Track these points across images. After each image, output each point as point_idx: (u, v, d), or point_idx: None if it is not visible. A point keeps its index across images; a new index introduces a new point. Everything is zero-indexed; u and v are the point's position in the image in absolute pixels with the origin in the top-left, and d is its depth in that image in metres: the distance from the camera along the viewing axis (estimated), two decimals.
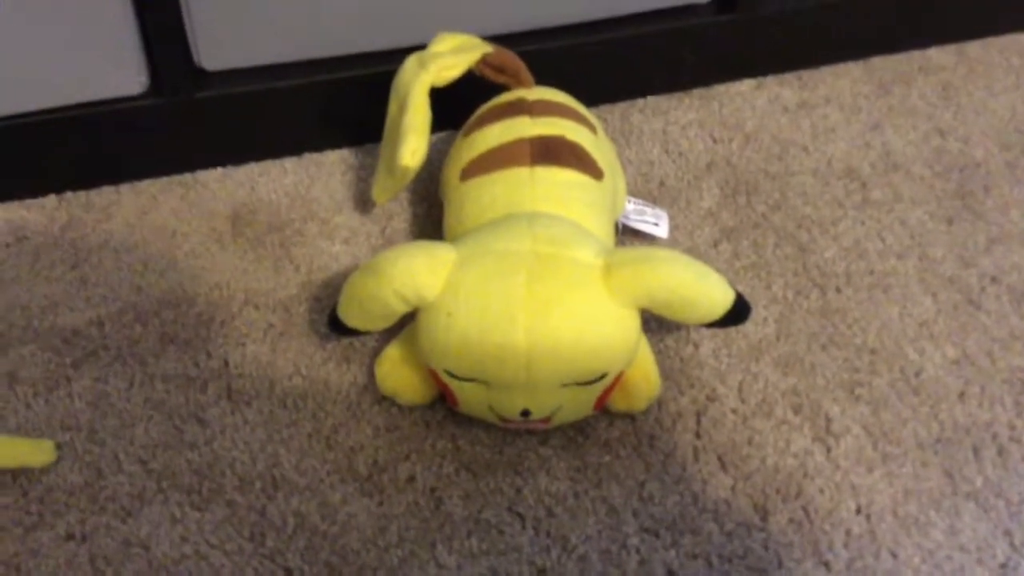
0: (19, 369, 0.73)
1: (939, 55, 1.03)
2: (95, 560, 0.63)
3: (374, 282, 0.64)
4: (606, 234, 0.71)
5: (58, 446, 0.68)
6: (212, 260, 0.81)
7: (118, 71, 0.82)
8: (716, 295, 0.65)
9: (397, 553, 0.64)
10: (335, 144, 0.91)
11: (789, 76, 1.00)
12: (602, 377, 0.64)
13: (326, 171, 0.89)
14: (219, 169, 0.89)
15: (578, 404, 0.66)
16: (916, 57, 1.02)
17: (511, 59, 0.78)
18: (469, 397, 0.66)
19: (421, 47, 0.77)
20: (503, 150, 0.72)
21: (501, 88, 0.79)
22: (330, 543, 0.64)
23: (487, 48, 0.78)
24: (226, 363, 0.74)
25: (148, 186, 0.87)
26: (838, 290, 0.80)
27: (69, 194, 0.86)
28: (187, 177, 0.88)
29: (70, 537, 0.64)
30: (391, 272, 0.63)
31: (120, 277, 0.80)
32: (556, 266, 0.63)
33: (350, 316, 0.67)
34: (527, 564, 0.64)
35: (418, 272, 0.63)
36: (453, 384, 0.65)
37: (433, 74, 0.75)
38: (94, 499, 0.66)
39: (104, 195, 0.86)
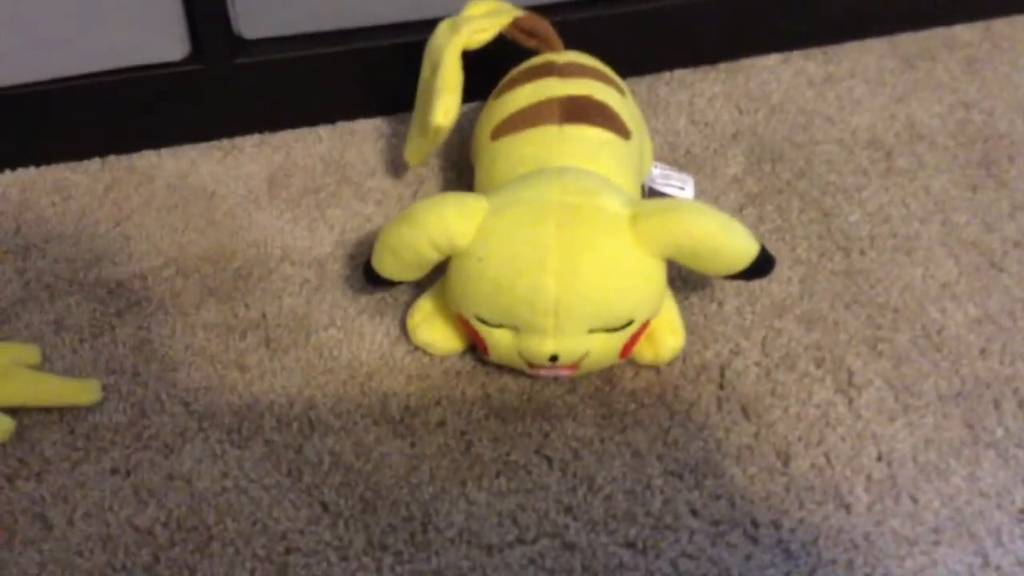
0: (65, 317, 0.76)
1: (964, 31, 1.04)
2: (139, 492, 0.66)
3: (408, 230, 0.66)
4: (633, 192, 0.73)
5: (103, 387, 0.71)
6: (250, 220, 0.84)
7: (160, 38, 0.85)
8: (741, 245, 0.67)
9: (429, 490, 0.66)
10: (368, 113, 0.94)
11: (815, 51, 1.01)
12: (628, 324, 0.66)
13: (359, 138, 0.92)
14: (256, 135, 0.92)
15: (605, 351, 0.68)
16: (941, 33, 1.03)
17: (542, 23, 0.81)
18: (499, 343, 0.68)
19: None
20: (532, 109, 0.74)
21: (531, 53, 0.81)
22: (364, 479, 0.66)
23: (518, 12, 0.80)
24: (264, 315, 0.76)
25: (187, 150, 0.90)
26: (862, 252, 0.81)
27: (112, 157, 0.89)
28: (224, 143, 0.91)
29: (115, 471, 0.67)
30: (425, 220, 0.65)
31: (161, 235, 0.83)
32: (585, 214, 0.65)
33: (384, 265, 0.69)
34: (554, 502, 0.65)
35: (451, 220, 0.65)
36: (483, 331, 0.67)
37: (465, 36, 0.77)
38: (138, 436, 0.69)
39: (145, 158, 0.89)
